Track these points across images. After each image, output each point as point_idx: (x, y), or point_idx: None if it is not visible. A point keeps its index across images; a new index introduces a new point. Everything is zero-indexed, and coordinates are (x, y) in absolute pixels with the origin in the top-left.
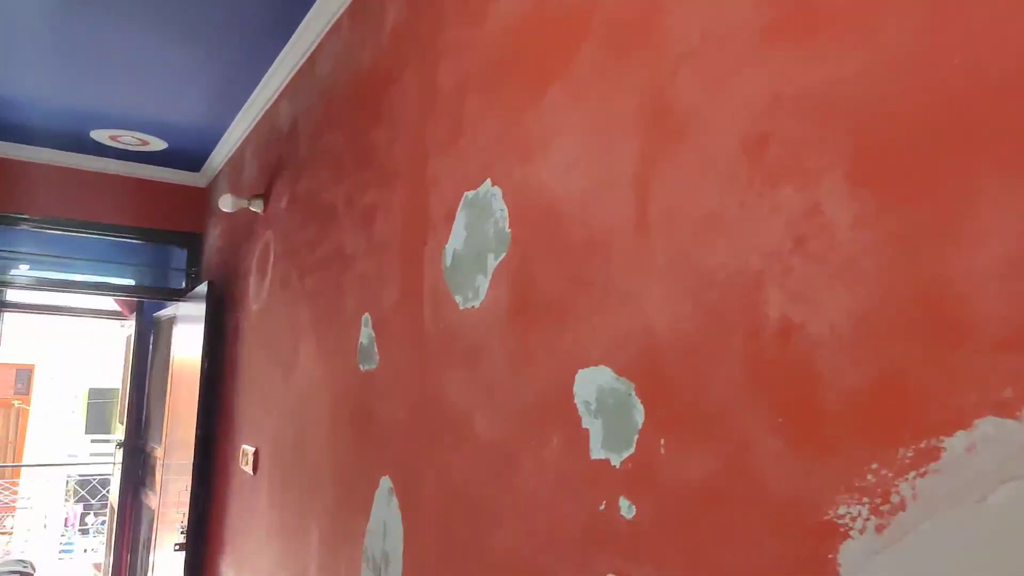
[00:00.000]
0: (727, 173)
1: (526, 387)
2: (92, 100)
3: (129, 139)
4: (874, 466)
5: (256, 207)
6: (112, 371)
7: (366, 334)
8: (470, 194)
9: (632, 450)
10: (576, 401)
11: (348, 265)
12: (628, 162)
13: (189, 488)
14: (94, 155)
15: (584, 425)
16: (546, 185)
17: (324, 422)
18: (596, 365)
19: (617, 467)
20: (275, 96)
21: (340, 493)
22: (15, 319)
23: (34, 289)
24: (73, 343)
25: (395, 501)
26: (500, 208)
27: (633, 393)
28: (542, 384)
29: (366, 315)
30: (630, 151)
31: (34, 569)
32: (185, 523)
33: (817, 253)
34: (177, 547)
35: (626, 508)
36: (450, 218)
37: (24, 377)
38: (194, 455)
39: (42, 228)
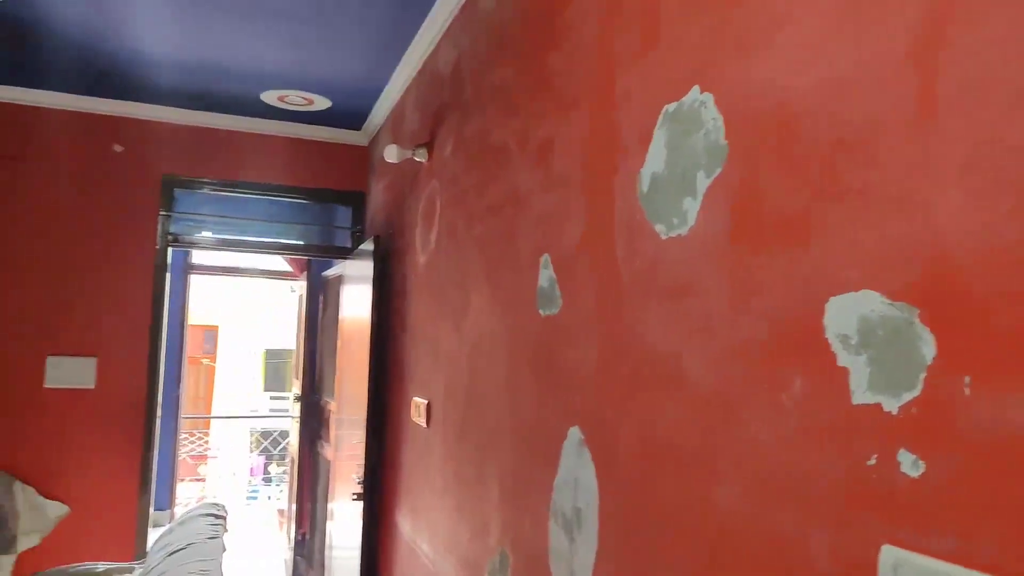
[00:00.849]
0: None
1: (753, 322)
2: (263, 62)
3: (296, 99)
4: None
5: (420, 156)
6: (286, 333)
7: (546, 276)
8: (671, 107)
9: (917, 391)
10: (828, 335)
11: (522, 206)
12: (900, 35)
13: (363, 441)
14: (263, 118)
15: (841, 363)
16: (775, 81)
17: (501, 372)
18: (857, 290)
19: (894, 413)
20: (436, 41)
21: (522, 446)
22: (200, 282)
23: (215, 249)
24: (251, 306)
25: (587, 453)
26: (712, 117)
27: (917, 320)
28: (776, 318)
29: (545, 256)
30: (910, 15)
31: (226, 512)
32: (361, 474)
33: None
34: (355, 497)
35: (909, 464)
36: (645, 139)
37: (211, 337)
38: (367, 409)
39: (220, 191)
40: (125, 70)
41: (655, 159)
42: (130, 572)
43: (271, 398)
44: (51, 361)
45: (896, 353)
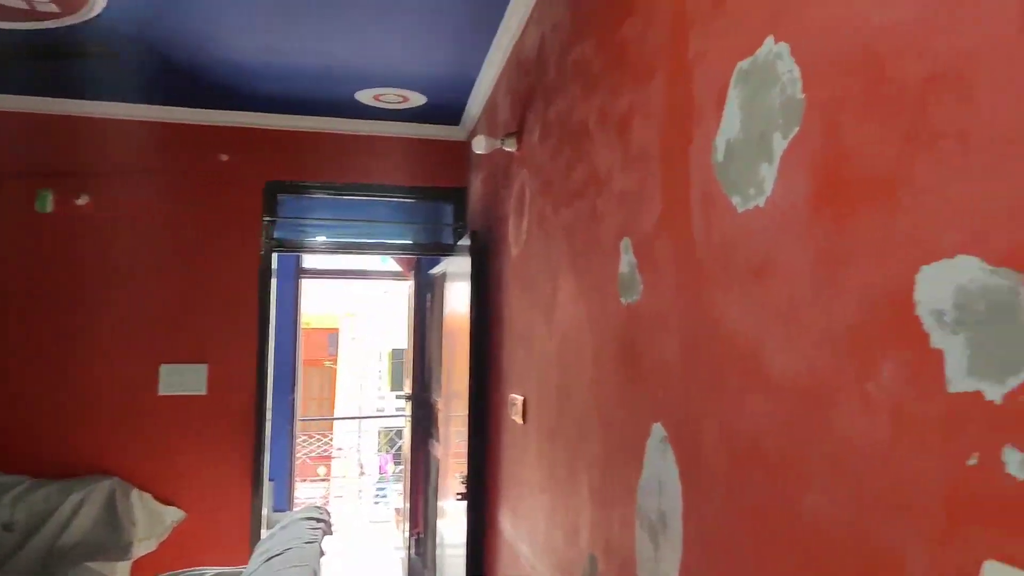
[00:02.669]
0: None
1: (839, 302)
2: (354, 60)
3: (391, 97)
4: None
5: (510, 146)
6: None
7: (627, 261)
8: (744, 63)
9: None
10: (919, 311)
11: (603, 186)
12: None
13: (466, 439)
14: (360, 118)
15: (934, 344)
16: (857, 19)
17: (587, 365)
18: (953, 256)
19: (998, 402)
20: (523, 24)
21: (609, 443)
22: (318, 286)
23: (320, 252)
24: (373, 307)
25: (671, 453)
26: (788, 69)
27: None
28: (863, 295)
29: (625, 240)
30: None
31: (329, 515)
32: (465, 473)
33: None
34: (459, 496)
35: (1017, 464)
36: (720, 102)
37: (333, 340)
38: (468, 407)
39: (322, 194)
40: (223, 81)
41: (730, 124)
42: None
43: (397, 397)
44: (164, 369)
45: (999, 331)
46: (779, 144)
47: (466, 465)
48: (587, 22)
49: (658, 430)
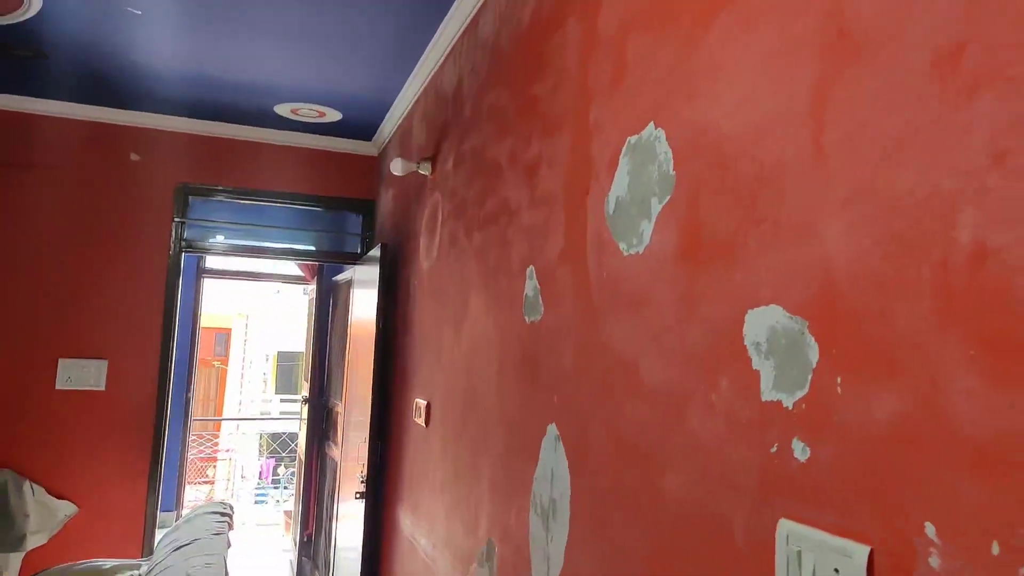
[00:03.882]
0: (916, 90)
1: (693, 331)
2: (276, 76)
3: (308, 111)
4: None
5: (425, 170)
6: (297, 336)
7: (531, 286)
8: (633, 139)
9: (806, 390)
10: (746, 343)
11: (513, 219)
12: (804, 90)
13: (367, 441)
14: (277, 128)
15: (754, 367)
16: (713, 123)
17: (492, 373)
18: (767, 304)
19: (790, 408)
20: (441, 60)
21: (509, 442)
22: (212, 286)
23: (230, 255)
24: (264, 311)
25: (561, 448)
26: (664, 151)
27: (807, 331)
28: (710, 327)
29: (531, 267)
30: (806, 78)
31: (233, 511)
32: (365, 473)
33: (1020, 168)
34: (358, 495)
35: (799, 450)
36: (613, 165)
37: (222, 340)
38: (371, 410)
39: (234, 198)
40: (141, 83)
41: (620, 184)
42: (136, 569)
43: (281, 400)
44: (63, 363)
45: (792, 358)
46: (656, 207)
47: (366, 466)
48: (503, 73)
49: (552, 430)
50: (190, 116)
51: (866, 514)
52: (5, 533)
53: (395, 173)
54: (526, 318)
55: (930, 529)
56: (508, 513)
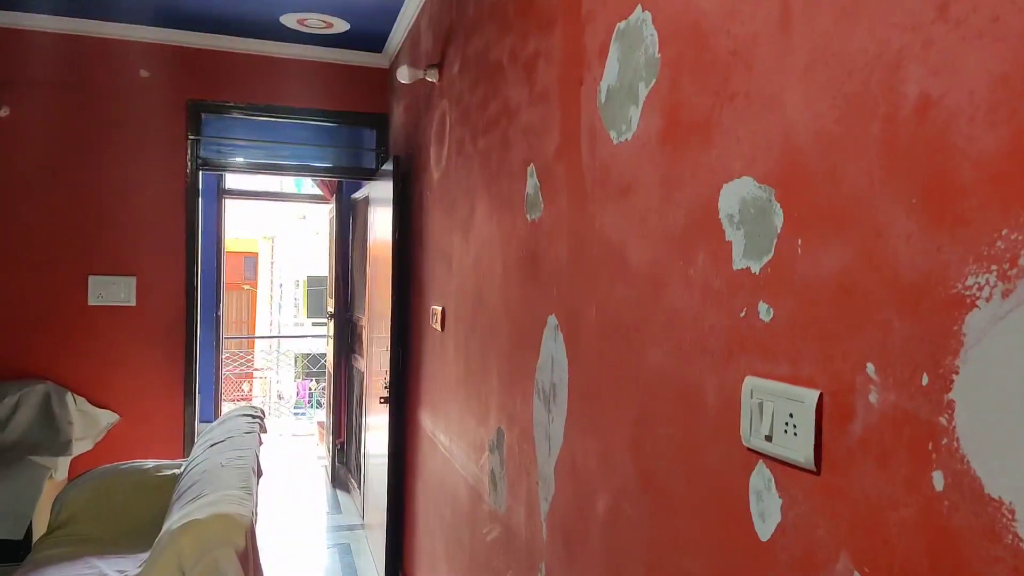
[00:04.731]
0: None
1: (674, 211)
2: None
3: (315, 21)
4: (1004, 232)
5: (432, 77)
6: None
7: (531, 184)
8: (621, 24)
9: (771, 255)
10: (720, 216)
11: (513, 119)
12: None
13: (389, 350)
14: (284, 41)
15: (727, 238)
16: (693, 1)
17: (498, 273)
18: (739, 177)
19: (756, 273)
20: None
21: (514, 336)
22: (235, 207)
23: (245, 172)
24: (289, 235)
25: (560, 336)
26: (650, 33)
27: (773, 198)
28: (689, 205)
29: (531, 166)
30: None
31: (264, 415)
32: (387, 379)
33: (959, 17)
34: (382, 400)
35: (764, 311)
36: (604, 53)
37: (251, 264)
38: (391, 319)
39: (247, 115)
40: None
41: (610, 72)
42: (177, 468)
43: (313, 324)
44: (93, 280)
45: (760, 225)
46: (643, 92)
47: (388, 373)
48: None
49: (552, 320)
50: (196, 31)
51: (817, 362)
52: (52, 439)
53: (402, 81)
54: (528, 216)
55: (870, 368)
56: (514, 401)
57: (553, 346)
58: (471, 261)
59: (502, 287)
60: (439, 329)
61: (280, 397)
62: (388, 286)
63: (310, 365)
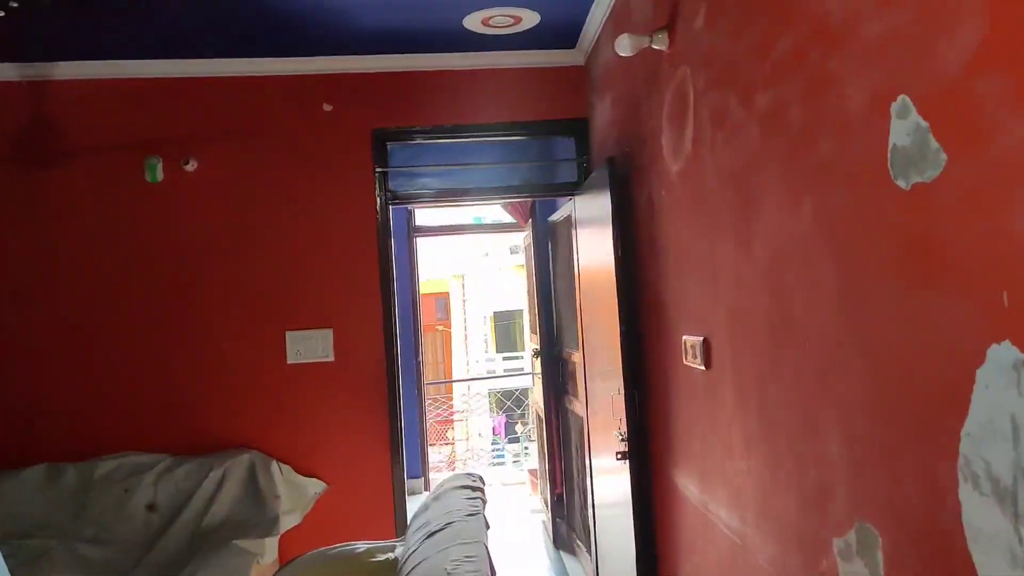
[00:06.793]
0: None
1: None
2: None
3: (501, 19)
4: None
5: (660, 43)
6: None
7: (904, 128)
8: None
9: None
10: None
11: (837, 42)
12: None
13: (621, 392)
14: (468, 50)
15: None
16: None
17: (829, 286)
18: None
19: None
20: None
21: (885, 377)
22: (424, 247)
23: (435, 203)
24: (476, 272)
25: None
26: None
27: None
28: None
29: (901, 99)
30: None
31: (484, 483)
32: (623, 430)
33: None
34: (619, 456)
35: None
36: None
37: (442, 306)
38: (621, 355)
39: (432, 139)
40: (318, 21)
41: None
42: (391, 551)
43: (503, 359)
44: (290, 336)
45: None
46: None
47: (624, 420)
48: None
49: (1003, 353)
50: (371, 52)
51: None
52: (259, 516)
53: (621, 53)
54: (900, 182)
55: None
56: (896, 485)
57: (1010, 398)
58: (758, 272)
59: (843, 306)
60: (701, 367)
61: (480, 435)
62: (613, 315)
63: (506, 400)
